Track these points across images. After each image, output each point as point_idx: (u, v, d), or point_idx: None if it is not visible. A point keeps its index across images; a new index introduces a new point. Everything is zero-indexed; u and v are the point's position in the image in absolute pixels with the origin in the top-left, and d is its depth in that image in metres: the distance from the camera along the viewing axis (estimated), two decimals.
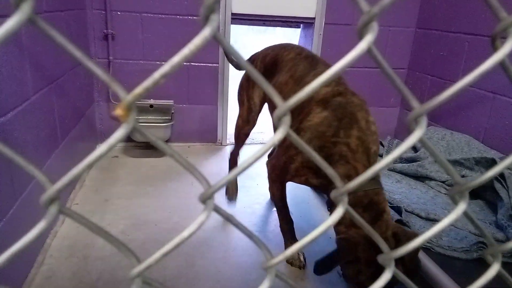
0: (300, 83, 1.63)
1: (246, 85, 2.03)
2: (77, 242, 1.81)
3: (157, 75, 0.22)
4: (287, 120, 0.26)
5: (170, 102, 2.92)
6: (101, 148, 0.23)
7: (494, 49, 0.27)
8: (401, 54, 3.12)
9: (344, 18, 2.94)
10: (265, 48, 2.05)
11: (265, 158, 2.00)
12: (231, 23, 2.84)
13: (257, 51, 2.11)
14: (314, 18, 2.92)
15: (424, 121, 0.27)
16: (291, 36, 3.33)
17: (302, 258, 1.76)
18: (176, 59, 0.22)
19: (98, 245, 1.79)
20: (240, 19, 2.86)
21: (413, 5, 2.97)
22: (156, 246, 1.81)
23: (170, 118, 2.87)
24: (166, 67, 0.22)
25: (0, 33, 0.20)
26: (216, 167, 2.77)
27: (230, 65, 2.79)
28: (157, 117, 2.93)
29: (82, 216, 0.26)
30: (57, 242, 1.81)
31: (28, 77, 1.58)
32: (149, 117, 2.92)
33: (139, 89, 0.22)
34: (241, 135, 2.14)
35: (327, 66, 1.70)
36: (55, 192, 0.24)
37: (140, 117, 2.88)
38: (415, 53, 3.07)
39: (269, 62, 1.89)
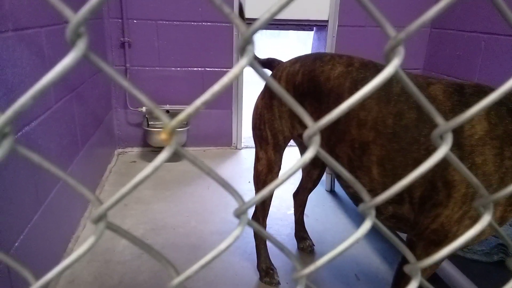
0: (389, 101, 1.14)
1: (269, 117, 1.48)
2: (98, 246, 1.85)
3: (198, 102, 0.24)
4: (317, 139, 0.28)
5: (186, 107, 2.95)
6: (147, 169, 0.25)
7: None
8: (416, 54, 3.10)
9: (357, 20, 2.94)
10: (288, 63, 1.47)
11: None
12: None
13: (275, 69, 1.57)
14: (327, 21, 2.93)
15: (449, 138, 0.28)
16: (305, 39, 3.33)
17: (275, 276, 1.68)
18: (216, 87, 0.23)
19: (119, 249, 1.83)
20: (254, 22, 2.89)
21: (427, 5, 2.95)
22: (175, 251, 1.84)
23: (186, 123, 2.91)
24: (207, 95, 0.24)
25: (58, 69, 0.22)
26: (231, 170, 2.80)
27: (244, 69, 2.81)
28: None
29: (126, 231, 0.28)
30: (79, 246, 1.85)
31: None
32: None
33: (182, 116, 0.24)
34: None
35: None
36: (103, 211, 0.26)
37: (157, 123, 2.93)
38: (431, 53, 3.04)
39: (303, 83, 1.36)
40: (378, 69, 1.23)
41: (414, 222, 1.13)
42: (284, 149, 1.55)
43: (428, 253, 1.08)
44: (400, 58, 0.25)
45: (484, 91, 1.04)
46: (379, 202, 0.30)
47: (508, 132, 0.95)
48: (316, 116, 1.33)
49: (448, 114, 1.03)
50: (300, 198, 1.94)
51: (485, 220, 0.32)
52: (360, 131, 1.17)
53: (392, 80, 1.14)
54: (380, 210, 1.21)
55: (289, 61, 1.49)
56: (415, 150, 1.06)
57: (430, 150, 1.04)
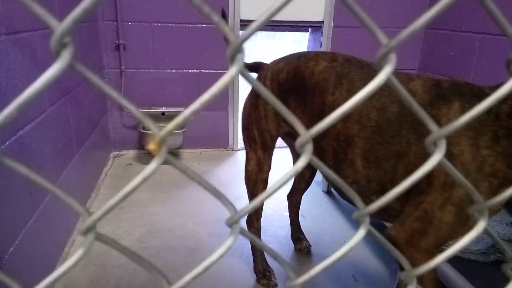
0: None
1: (255, 116, 1.51)
2: (94, 250, 1.84)
3: (187, 112, 0.23)
4: (309, 147, 0.27)
5: (182, 109, 2.95)
6: (136, 180, 0.25)
7: (510, 73, 0.27)
8: (411, 55, 3.11)
9: (352, 21, 2.94)
10: (273, 63, 1.51)
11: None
12: (240, 29, 2.86)
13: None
14: (322, 22, 2.93)
15: (443, 144, 0.28)
16: (300, 40, 3.34)
17: (273, 278, 1.68)
18: (206, 96, 0.23)
19: (115, 253, 1.82)
20: (249, 25, 2.88)
21: (422, 5, 2.96)
22: (172, 253, 1.83)
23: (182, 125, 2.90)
24: (196, 105, 0.23)
25: (43, 79, 0.21)
26: (228, 172, 2.79)
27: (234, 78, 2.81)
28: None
29: (116, 242, 0.27)
30: (75, 250, 1.84)
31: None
32: (161, 125, 2.95)
33: (170, 126, 0.24)
34: (259, 185, 1.58)
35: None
36: (92, 222, 0.25)
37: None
38: (426, 54, 3.05)
39: (287, 80, 1.39)
40: (361, 64, 1.26)
41: (400, 211, 1.15)
42: (273, 148, 1.56)
43: (413, 245, 1.08)
44: (392, 65, 0.25)
45: (459, 84, 1.08)
46: (373, 210, 0.29)
47: (481, 123, 0.98)
48: (300, 111, 1.36)
49: (427, 107, 1.07)
50: (294, 199, 1.93)
51: (481, 226, 0.31)
52: (346, 124, 1.19)
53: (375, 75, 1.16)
54: (364, 202, 1.22)
55: (274, 61, 1.52)
56: (397, 142, 1.10)
57: (410, 142, 1.07)
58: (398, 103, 1.12)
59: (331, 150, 1.26)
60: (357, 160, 1.19)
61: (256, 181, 1.58)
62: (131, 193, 0.25)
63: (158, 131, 0.24)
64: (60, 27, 0.20)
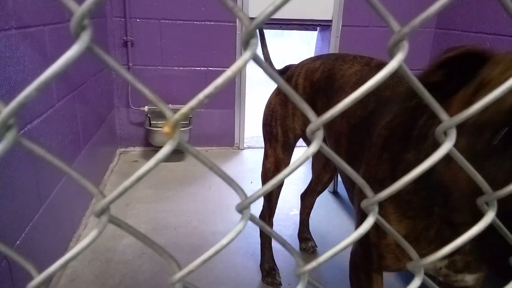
0: (368, 97, 1.10)
1: (282, 113, 1.47)
2: (99, 245, 1.85)
3: (201, 95, 0.24)
4: (320, 134, 0.27)
5: None
6: (150, 163, 0.25)
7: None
8: (421, 55, 3.09)
9: (361, 20, 2.93)
10: (309, 60, 1.48)
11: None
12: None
13: (294, 63, 1.59)
14: (331, 21, 2.92)
15: (453, 134, 0.28)
16: (309, 39, 3.33)
17: (277, 277, 1.67)
18: (219, 80, 0.23)
19: (120, 248, 1.83)
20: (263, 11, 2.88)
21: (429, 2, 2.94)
22: (176, 251, 1.84)
23: (188, 122, 2.91)
24: (210, 88, 0.24)
25: (62, 61, 0.22)
26: (233, 171, 2.79)
27: (246, 69, 2.82)
28: None
29: (129, 225, 0.28)
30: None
31: (52, 84, 1.63)
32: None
33: (184, 109, 0.24)
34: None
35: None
36: (106, 204, 0.26)
37: (159, 122, 2.93)
38: (435, 54, 3.03)
39: (320, 80, 1.36)
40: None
41: None
42: (294, 148, 1.54)
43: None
44: (404, 52, 0.25)
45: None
46: (383, 198, 0.30)
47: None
48: (323, 112, 1.31)
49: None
50: (308, 200, 1.93)
51: (489, 217, 0.31)
52: (341, 121, 1.18)
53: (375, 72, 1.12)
54: None
55: (310, 58, 1.50)
56: (362, 143, 1.05)
57: (366, 143, 1.02)
58: (375, 102, 1.07)
59: (333, 149, 1.26)
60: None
61: (272, 179, 1.55)
62: (144, 175, 0.25)
63: (172, 114, 0.24)
64: (80, 9, 0.21)
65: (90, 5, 0.21)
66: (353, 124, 1.12)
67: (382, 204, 0.78)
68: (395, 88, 1.06)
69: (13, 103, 0.22)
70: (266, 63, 0.24)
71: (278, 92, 1.53)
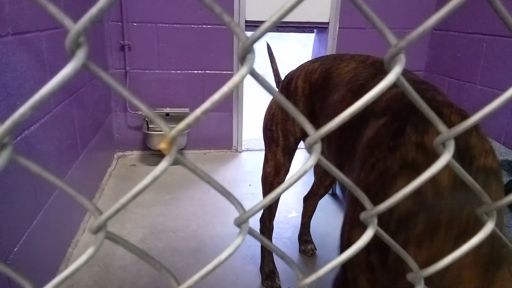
0: (360, 94, 1.09)
1: (283, 117, 1.48)
2: (98, 251, 1.84)
3: (198, 111, 0.24)
4: (318, 147, 0.27)
5: (186, 110, 2.96)
6: (147, 179, 0.25)
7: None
8: (418, 56, 3.10)
9: (358, 22, 2.94)
10: (308, 62, 1.49)
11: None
12: (245, 30, 2.85)
13: (291, 67, 1.57)
14: (328, 23, 2.93)
15: (452, 145, 0.28)
16: (306, 41, 3.34)
17: (277, 280, 1.68)
18: (216, 96, 0.23)
19: (119, 254, 1.82)
20: (254, 26, 2.89)
21: (428, 7, 2.95)
22: (175, 254, 1.83)
23: None
24: (207, 104, 0.23)
25: (58, 79, 0.22)
26: (232, 174, 2.79)
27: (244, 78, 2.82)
28: (174, 125, 2.90)
29: (126, 240, 0.28)
30: (79, 251, 1.84)
31: None
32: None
33: (181, 125, 0.24)
34: (275, 187, 1.53)
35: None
36: (103, 221, 0.25)
37: (156, 126, 2.92)
38: (432, 55, 3.04)
39: (318, 80, 1.35)
40: (381, 66, 1.20)
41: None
42: (294, 151, 1.54)
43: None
44: (401, 65, 0.25)
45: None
46: (381, 210, 0.29)
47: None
48: (323, 114, 1.32)
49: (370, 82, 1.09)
50: (310, 203, 1.94)
51: (489, 227, 0.31)
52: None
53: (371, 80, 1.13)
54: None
55: (309, 60, 1.50)
56: (348, 148, 1.04)
57: (355, 146, 1.00)
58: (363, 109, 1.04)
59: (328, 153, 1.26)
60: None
61: (272, 183, 1.57)
62: (141, 192, 0.25)
63: (169, 131, 0.24)
64: (75, 27, 0.21)
65: (85, 23, 0.21)
66: (342, 128, 1.09)
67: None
68: (382, 96, 1.00)
69: (8, 122, 0.22)
70: (262, 77, 0.24)
71: None
